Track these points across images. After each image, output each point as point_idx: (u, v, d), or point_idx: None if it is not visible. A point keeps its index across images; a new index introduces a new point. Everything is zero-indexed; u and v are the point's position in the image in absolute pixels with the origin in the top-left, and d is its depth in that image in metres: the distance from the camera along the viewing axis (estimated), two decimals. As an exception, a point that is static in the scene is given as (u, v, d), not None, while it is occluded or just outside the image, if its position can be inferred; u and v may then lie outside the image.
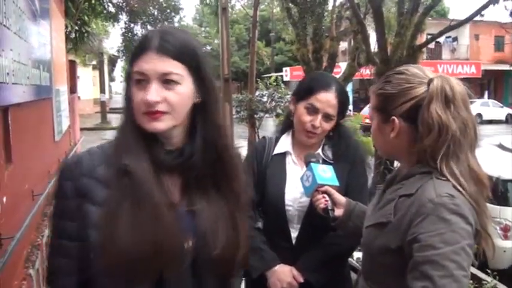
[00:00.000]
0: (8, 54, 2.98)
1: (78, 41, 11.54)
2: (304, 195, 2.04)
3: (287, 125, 2.33)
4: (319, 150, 2.24)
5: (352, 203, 1.95)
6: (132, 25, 19.51)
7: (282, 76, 37.04)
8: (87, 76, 32.38)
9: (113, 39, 30.13)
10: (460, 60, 34.74)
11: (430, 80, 1.43)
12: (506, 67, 34.89)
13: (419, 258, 1.29)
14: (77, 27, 11.11)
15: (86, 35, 12.02)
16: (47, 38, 5.22)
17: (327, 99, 2.12)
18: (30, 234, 3.63)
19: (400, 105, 1.46)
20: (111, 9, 16.11)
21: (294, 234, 2.19)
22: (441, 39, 34.35)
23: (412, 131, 1.44)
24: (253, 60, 13.76)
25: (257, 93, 13.86)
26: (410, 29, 6.49)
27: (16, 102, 3.29)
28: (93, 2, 11.04)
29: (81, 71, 28.16)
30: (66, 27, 9.55)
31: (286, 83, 34.08)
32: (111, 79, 58.80)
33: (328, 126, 2.16)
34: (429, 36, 8.27)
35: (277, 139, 2.33)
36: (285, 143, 2.30)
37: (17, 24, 3.36)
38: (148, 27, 19.31)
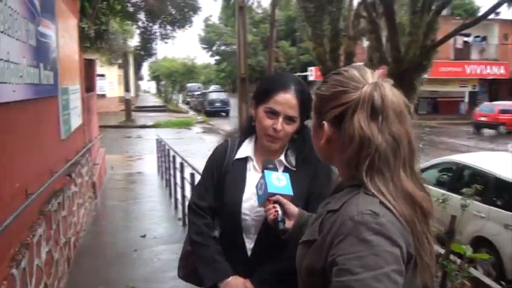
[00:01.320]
0: (-10, 53, 2.98)
1: (97, 40, 11.66)
2: (257, 201, 1.92)
3: (249, 129, 2.20)
4: (282, 156, 2.12)
5: (305, 215, 1.82)
6: (150, 25, 19.53)
7: (306, 76, 36.96)
8: (113, 75, 32.81)
9: (137, 39, 30.59)
10: (488, 61, 33.88)
11: (363, 86, 1.30)
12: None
13: (336, 283, 1.14)
14: (95, 27, 11.24)
15: (105, 34, 12.14)
16: (50, 37, 5.24)
17: (286, 100, 1.99)
18: (20, 232, 3.63)
19: (331, 110, 1.33)
20: (130, 8, 16.18)
21: (249, 245, 2.08)
22: (470, 39, 33.67)
23: (341, 140, 1.31)
24: (272, 59, 13.69)
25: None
26: (423, 28, 6.30)
27: (2, 101, 3.29)
28: (111, 1, 11.14)
29: (106, 70, 28.62)
30: (83, 27, 9.64)
31: (311, 82, 33.91)
32: (139, 78, 59.47)
33: (290, 128, 2.04)
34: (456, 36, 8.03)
35: (240, 143, 2.22)
36: (247, 148, 2.18)
37: (6, 23, 3.36)
38: (167, 26, 19.36)
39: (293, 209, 1.83)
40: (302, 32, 16.26)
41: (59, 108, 5.76)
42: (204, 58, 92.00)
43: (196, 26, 69.61)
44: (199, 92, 42.85)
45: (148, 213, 8.56)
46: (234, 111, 34.58)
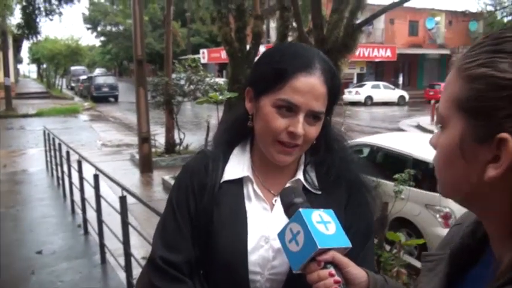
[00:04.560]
0: None
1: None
2: (290, 263, 1.13)
3: (239, 133, 1.42)
4: (300, 174, 1.37)
5: (379, 282, 1.12)
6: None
7: (199, 58, 36.34)
8: (-12, 58, 29.63)
9: (18, 16, 27.39)
10: (375, 44, 35.61)
11: None
12: (420, 51, 37.62)
13: None
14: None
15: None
16: None
17: (310, 87, 1.24)
18: None
19: None
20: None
21: None
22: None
23: None
24: (169, 40, 12.73)
25: (173, 76, 12.86)
26: (351, 5, 5.81)
27: None
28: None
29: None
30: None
31: (203, 65, 33.45)
32: (18, 60, 55.07)
33: (315, 131, 1.29)
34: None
35: (225, 155, 1.41)
36: (239, 164, 1.39)
37: None
38: (52, 1, 17.48)
39: (358, 272, 1.11)
40: (199, 12, 15.41)
41: None
42: (89, 39, 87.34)
43: (83, 4, 64.99)
44: (84, 76, 40.57)
45: (42, 221, 7.36)
46: (123, 96, 33.00)
